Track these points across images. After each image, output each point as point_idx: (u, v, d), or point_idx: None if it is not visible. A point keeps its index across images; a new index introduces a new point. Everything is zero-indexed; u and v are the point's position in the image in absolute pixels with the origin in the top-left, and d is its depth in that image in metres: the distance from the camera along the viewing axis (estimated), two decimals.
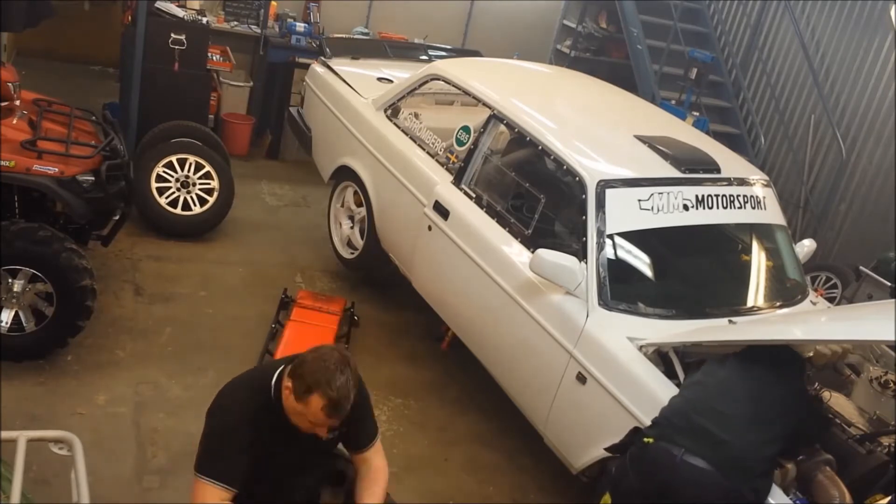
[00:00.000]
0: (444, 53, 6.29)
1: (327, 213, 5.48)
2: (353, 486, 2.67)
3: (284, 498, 2.57)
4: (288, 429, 2.44)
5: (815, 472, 3.14)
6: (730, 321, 3.63)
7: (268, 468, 2.46)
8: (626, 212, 3.69)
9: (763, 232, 4.32)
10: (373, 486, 2.61)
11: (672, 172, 3.88)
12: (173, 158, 5.36)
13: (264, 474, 2.46)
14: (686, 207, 3.82)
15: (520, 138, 4.19)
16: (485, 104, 4.39)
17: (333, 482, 2.74)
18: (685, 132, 4.54)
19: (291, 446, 2.49)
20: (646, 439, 2.80)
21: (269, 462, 2.46)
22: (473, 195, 4.19)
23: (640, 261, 3.83)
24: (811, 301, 4.20)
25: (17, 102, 4.18)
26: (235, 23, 7.34)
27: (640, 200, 3.72)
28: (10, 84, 4.07)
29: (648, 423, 3.16)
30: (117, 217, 4.39)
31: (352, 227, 5.21)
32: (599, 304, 3.50)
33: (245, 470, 2.39)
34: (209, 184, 5.43)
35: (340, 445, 2.70)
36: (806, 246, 4.46)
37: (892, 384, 3.71)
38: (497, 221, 4.02)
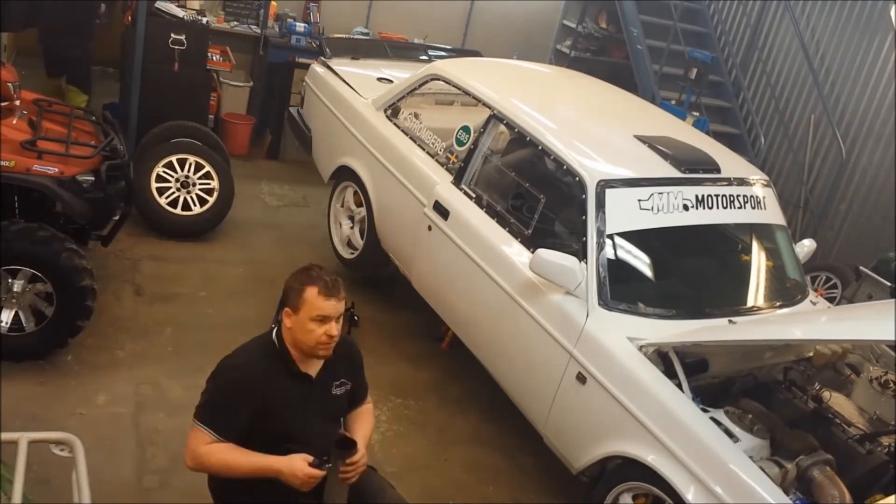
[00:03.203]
0: (444, 53, 6.29)
1: (327, 213, 5.48)
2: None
3: (307, 444, 2.59)
4: (299, 381, 2.57)
5: (814, 472, 3.15)
6: (730, 321, 3.63)
7: (278, 423, 2.53)
8: (626, 212, 3.69)
9: (763, 232, 4.33)
10: (363, 417, 2.81)
11: (672, 172, 3.89)
12: (173, 158, 5.35)
13: (281, 426, 2.54)
14: (686, 207, 3.82)
15: (520, 138, 4.19)
16: (485, 104, 4.39)
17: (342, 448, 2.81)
18: (685, 132, 4.54)
19: (303, 401, 2.58)
20: None
21: (280, 417, 2.53)
22: (473, 195, 4.19)
23: (640, 261, 3.84)
24: (811, 301, 4.21)
25: (17, 102, 4.18)
26: (235, 23, 7.34)
27: (640, 200, 3.72)
28: (10, 84, 4.07)
29: (649, 423, 3.17)
30: (117, 217, 4.39)
31: (352, 227, 5.21)
32: (599, 304, 3.50)
33: (244, 422, 2.49)
34: (209, 184, 5.43)
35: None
36: (806, 246, 4.46)
37: (892, 384, 3.72)
38: (497, 221, 4.02)
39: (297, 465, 2.44)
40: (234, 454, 2.47)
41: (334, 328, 2.53)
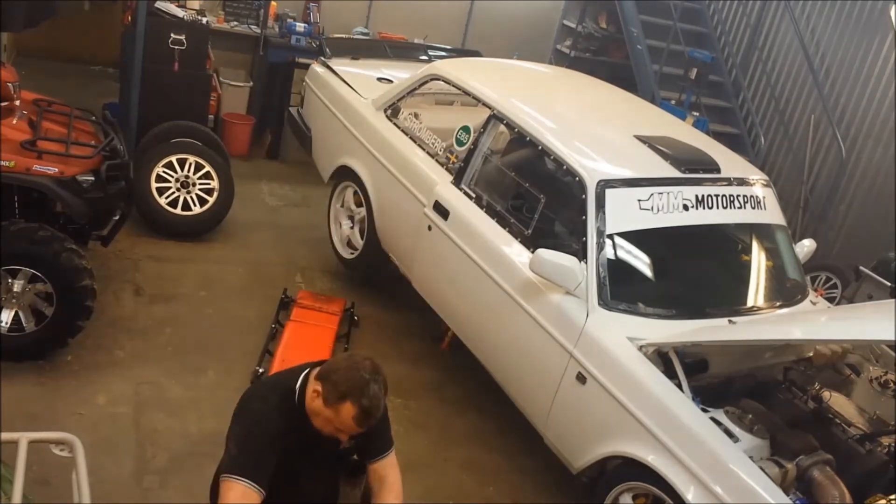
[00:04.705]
0: (444, 53, 6.29)
1: (327, 213, 5.48)
2: (369, 485, 2.66)
3: (302, 501, 2.57)
4: (309, 434, 2.45)
5: (814, 472, 3.15)
6: (730, 321, 3.63)
7: (287, 472, 2.46)
8: (626, 212, 3.69)
9: (763, 232, 4.33)
10: (388, 492, 2.59)
11: (672, 172, 3.89)
12: (173, 158, 5.35)
13: (283, 478, 2.46)
14: (686, 207, 3.82)
15: (520, 138, 4.19)
16: (485, 104, 4.39)
17: (350, 474, 2.73)
18: (685, 132, 4.54)
19: (311, 452, 2.50)
20: None
21: (289, 466, 2.46)
22: (473, 195, 4.19)
23: (640, 261, 3.83)
24: (811, 301, 4.21)
25: (17, 102, 4.17)
26: (235, 23, 7.34)
27: (640, 200, 3.72)
28: (10, 84, 4.06)
29: (649, 423, 3.17)
30: (117, 217, 4.39)
31: (352, 227, 5.21)
32: (599, 304, 3.50)
33: (270, 469, 2.39)
34: (209, 184, 5.43)
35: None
36: (806, 246, 4.46)
37: (892, 384, 3.72)
38: (497, 221, 4.02)
39: None
40: None
41: (346, 437, 2.44)
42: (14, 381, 3.78)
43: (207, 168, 5.41)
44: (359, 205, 5.08)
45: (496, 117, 4.27)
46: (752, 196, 4.12)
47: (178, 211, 5.37)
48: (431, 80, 4.79)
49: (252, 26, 7.36)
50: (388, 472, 2.64)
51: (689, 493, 2.99)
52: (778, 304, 4.03)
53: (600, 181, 3.68)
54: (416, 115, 4.84)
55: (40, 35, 6.14)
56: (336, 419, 2.35)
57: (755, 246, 4.28)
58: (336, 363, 2.40)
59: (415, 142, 4.68)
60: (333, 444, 2.52)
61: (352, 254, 5.23)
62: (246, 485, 2.31)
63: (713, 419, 3.17)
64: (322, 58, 5.70)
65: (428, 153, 4.57)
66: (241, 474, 2.33)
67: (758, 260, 4.24)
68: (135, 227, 5.27)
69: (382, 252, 4.93)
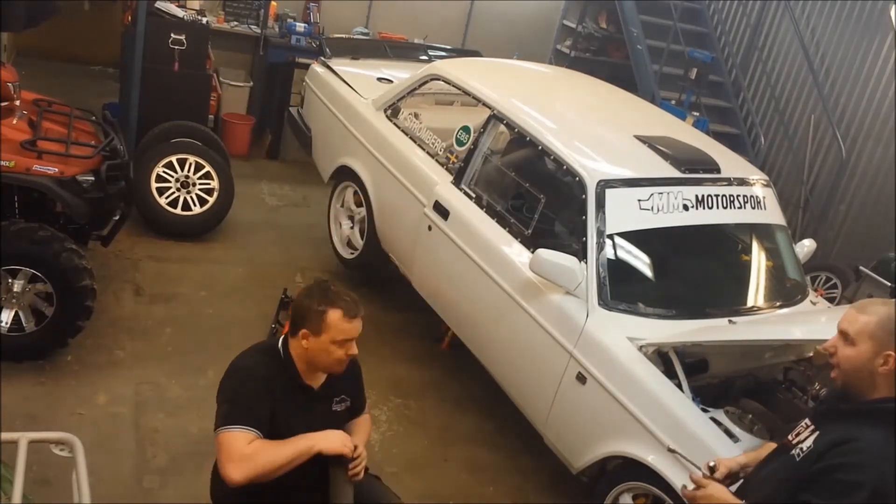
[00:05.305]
0: (444, 53, 6.29)
1: (327, 213, 5.48)
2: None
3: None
4: (302, 393, 2.52)
5: None
6: (730, 321, 3.63)
7: (284, 434, 2.46)
8: (626, 212, 3.69)
9: (763, 232, 4.33)
10: (361, 424, 2.77)
11: (672, 172, 3.88)
12: (173, 158, 5.35)
13: (283, 435, 2.46)
14: (686, 207, 3.82)
15: (520, 138, 4.19)
16: (485, 104, 4.39)
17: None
18: (685, 132, 4.54)
19: (306, 414, 2.52)
20: None
21: (285, 428, 2.46)
22: (473, 195, 4.19)
23: (640, 261, 3.83)
24: (811, 301, 4.21)
25: (17, 102, 4.17)
26: (235, 23, 7.34)
27: (640, 200, 3.72)
28: (10, 84, 4.06)
29: (649, 423, 3.17)
30: (117, 217, 4.39)
31: (352, 227, 5.21)
32: (599, 304, 3.50)
33: (266, 420, 2.40)
34: (209, 184, 5.43)
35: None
36: (806, 246, 4.46)
37: None
38: (497, 221, 4.02)
39: (331, 434, 2.45)
40: (276, 447, 2.36)
41: (355, 347, 2.48)
42: (14, 381, 3.78)
43: (207, 168, 5.41)
44: (359, 205, 5.08)
45: (496, 117, 4.27)
46: (752, 196, 4.12)
47: (178, 211, 5.37)
48: (431, 80, 4.79)
49: (252, 26, 7.37)
50: (362, 418, 2.82)
51: None
52: (778, 304, 4.03)
53: (600, 181, 3.68)
54: (416, 115, 4.84)
55: (40, 35, 6.13)
56: (332, 332, 2.41)
57: (755, 246, 4.28)
58: (296, 303, 2.52)
59: (415, 142, 4.67)
60: (326, 404, 2.59)
61: (352, 254, 5.23)
62: (245, 430, 2.34)
63: (713, 419, 3.17)
64: (322, 58, 5.70)
65: (428, 153, 4.57)
66: (236, 422, 2.35)
67: (758, 260, 4.24)
68: (135, 227, 5.27)
69: (382, 252, 4.93)
